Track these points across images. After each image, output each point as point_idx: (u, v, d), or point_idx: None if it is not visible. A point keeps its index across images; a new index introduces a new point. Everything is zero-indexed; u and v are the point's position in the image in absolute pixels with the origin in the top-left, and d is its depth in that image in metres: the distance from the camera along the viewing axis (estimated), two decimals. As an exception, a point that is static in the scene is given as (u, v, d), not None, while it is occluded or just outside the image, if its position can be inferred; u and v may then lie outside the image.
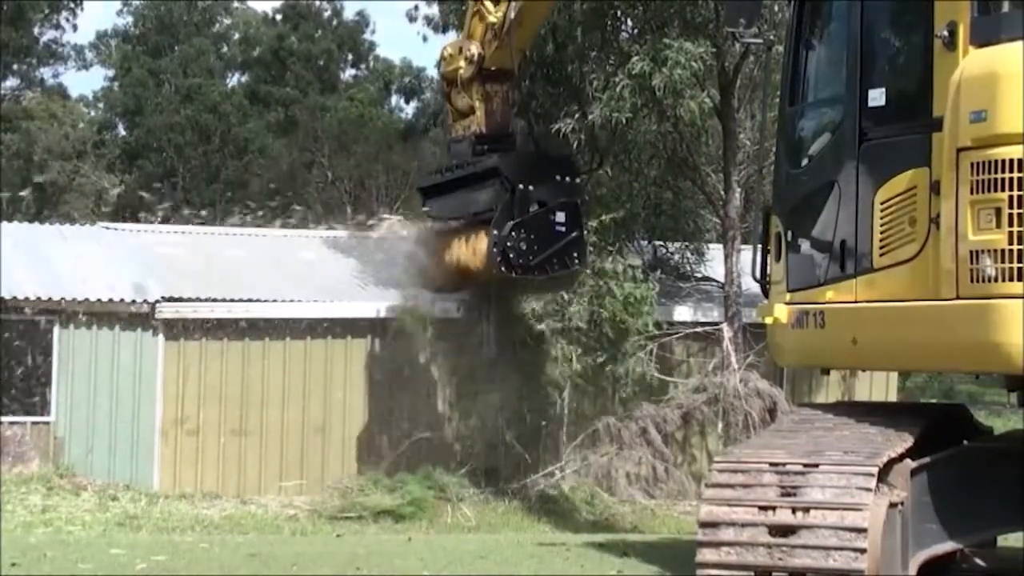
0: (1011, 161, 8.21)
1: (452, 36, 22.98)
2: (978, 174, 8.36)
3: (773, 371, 20.88)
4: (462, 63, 16.45)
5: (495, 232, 15.59)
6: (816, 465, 8.40)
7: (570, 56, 20.59)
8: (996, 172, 8.26)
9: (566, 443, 20.92)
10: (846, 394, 21.32)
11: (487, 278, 17.18)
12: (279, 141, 48.80)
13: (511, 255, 15.66)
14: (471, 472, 20.03)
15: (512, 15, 15.66)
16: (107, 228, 24.04)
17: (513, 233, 15.62)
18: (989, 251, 8.29)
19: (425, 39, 54.77)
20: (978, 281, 8.35)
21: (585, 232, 17.52)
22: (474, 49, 16.24)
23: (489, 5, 16.15)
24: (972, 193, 8.38)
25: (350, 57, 55.80)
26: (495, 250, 15.58)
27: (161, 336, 19.83)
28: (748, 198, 22.00)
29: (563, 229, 16.01)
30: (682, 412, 20.52)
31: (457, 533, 16.64)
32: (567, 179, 16.22)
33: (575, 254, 16.25)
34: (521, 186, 15.67)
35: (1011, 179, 8.20)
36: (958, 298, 8.48)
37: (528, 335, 19.86)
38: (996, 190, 8.26)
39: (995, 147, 8.28)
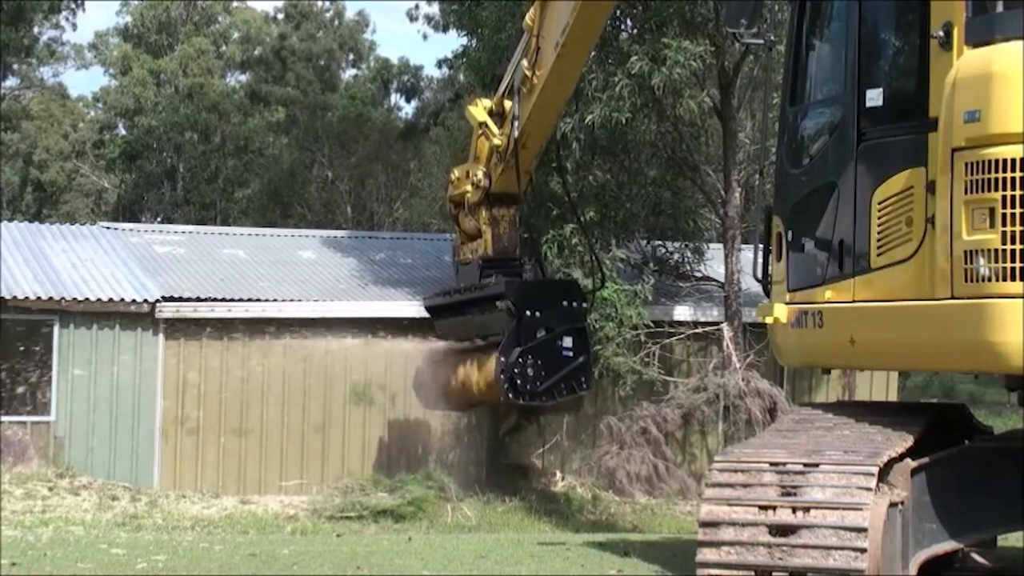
0: (1004, 161, 8.23)
1: (452, 36, 22.89)
2: (972, 174, 8.37)
3: (773, 370, 20.88)
4: (469, 187, 16.56)
5: (502, 359, 15.59)
6: (816, 465, 8.43)
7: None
8: (990, 172, 8.28)
9: (566, 443, 20.92)
10: (846, 394, 21.32)
11: (493, 403, 17.22)
12: (279, 140, 48.77)
13: (518, 382, 15.69)
14: (470, 472, 20.02)
15: (515, 135, 15.72)
16: (107, 228, 24.00)
17: (520, 360, 15.63)
18: (983, 251, 8.31)
19: (425, 37, 55.13)
20: (972, 281, 8.37)
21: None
22: (480, 173, 16.37)
23: (494, 127, 16.21)
24: (966, 193, 8.40)
25: (351, 57, 55.77)
26: (502, 377, 15.60)
27: (161, 336, 19.82)
28: (748, 198, 21.99)
29: (570, 354, 16.02)
30: (682, 412, 20.52)
31: (457, 533, 16.61)
32: (573, 304, 16.28)
33: (583, 378, 16.30)
34: (528, 312, 15.71)
35: (1004, 179, 8.23)
36: (953, 298, 8.49)
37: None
38: (990, 190, 8.28)
39: (989, 147, 8.30)
